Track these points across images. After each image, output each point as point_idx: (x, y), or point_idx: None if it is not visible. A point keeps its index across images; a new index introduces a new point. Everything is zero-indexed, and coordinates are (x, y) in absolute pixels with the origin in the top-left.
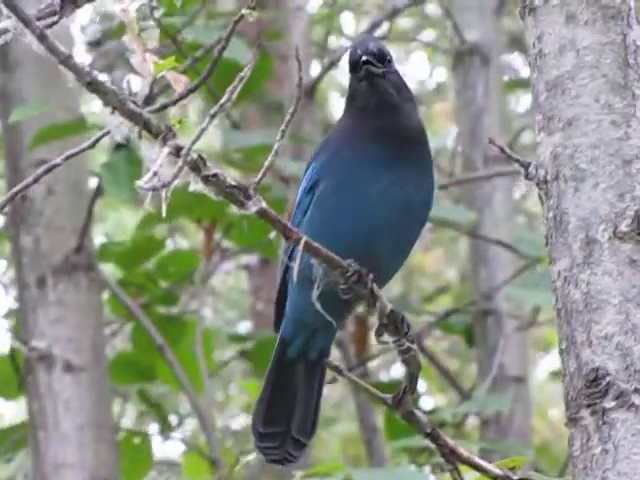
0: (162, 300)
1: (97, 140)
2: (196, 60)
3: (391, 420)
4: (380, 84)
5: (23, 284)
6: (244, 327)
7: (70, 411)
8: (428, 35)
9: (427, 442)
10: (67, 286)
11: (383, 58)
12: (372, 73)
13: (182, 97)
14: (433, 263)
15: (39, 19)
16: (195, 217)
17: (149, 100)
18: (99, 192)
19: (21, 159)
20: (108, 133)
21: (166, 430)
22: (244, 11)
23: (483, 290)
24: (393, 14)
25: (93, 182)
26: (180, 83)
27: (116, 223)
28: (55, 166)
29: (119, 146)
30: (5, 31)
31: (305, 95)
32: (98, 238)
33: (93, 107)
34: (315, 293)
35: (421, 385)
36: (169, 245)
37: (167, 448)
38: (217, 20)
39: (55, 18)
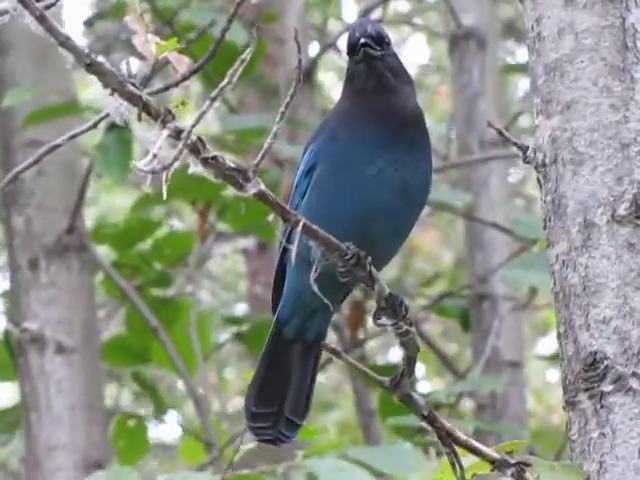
0: (156, 282)
1: (99, 121)
2: (190, 42)
3: (385, 401)
4: (377, 66)
5: (15, 266)
6: (240, 310)
7: (62, 393)
8: (427, 19)
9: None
10: (59, 267)
11: (381, 41)
12: (370, 55)
13: (185, 78)
14: (430, 245)
15: (37, 0)
16: (190, 199)
17: (149, 81)
18: (91, 172)
19: (13, 139)
20: (106, 116)
21: (161, 412)
22: None
23: (479, 274)
24: None
25: (85, 162)
26: (183, 64)
27: (109, 206)
28: (57, 146)
29: (112, 127)
30: (4, 12)
31: (302, 78)
32: (90, 221)
33: (92, 92)
34: (313, 275)
35: (418, 369)
36: (164, 227)
37: (162, 431)
38: (212, 2)
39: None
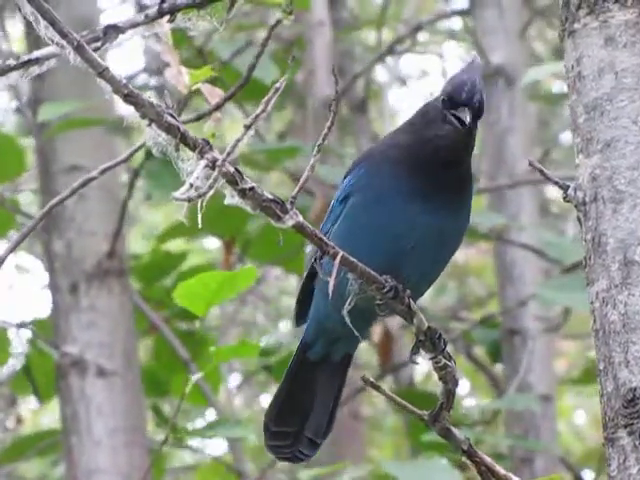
0: (182, 316)
1: (132, 153)
2: (221, 68)
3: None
4: (465, 140)
5: (55, 289)
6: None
7: (103, 416)
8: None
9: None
10: (99, 291)
11: (482, 112)
12: (468, 128)
13: (216, 107)
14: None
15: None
16: (216, 232)
17: (181, 111)
18: (130, 198)
19: (53, 164)
20: (144, 145)
21: (180, 442)
22: (279, 15)
23: (509, 309)
24: (417, 29)
25: (125, 187)
26: (215, 96)
27: (153, 222)
28: (91, 179)
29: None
30: (50, 56)
31: (356, 109)
32: (136, 241)
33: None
34: (347, 307)
35: (463, 386)
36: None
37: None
38: (243, 32)
39: (98, 44)
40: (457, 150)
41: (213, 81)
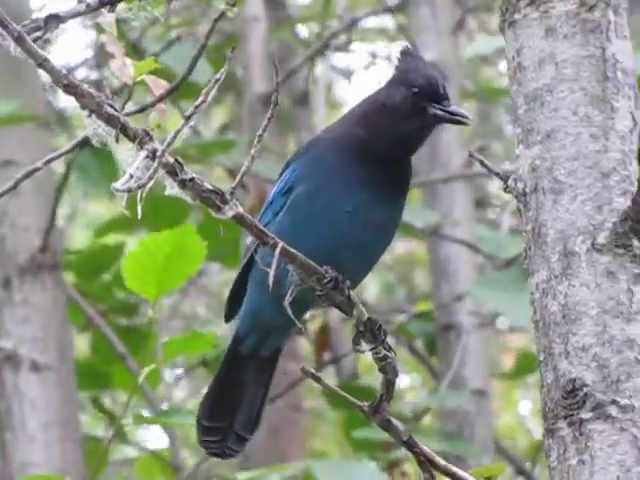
0: (120, 310)
1: (75, 146)
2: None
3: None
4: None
5: None
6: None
7: (36, 411)
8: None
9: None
10: (33, 286)
11: None
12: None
13: (161, 99)
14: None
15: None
16: (154, 228)
17: (127, 102)
18: (62, 192)
19: None
20: (86, 138)
21: (120, 436)
22: (223, 7)
23: (444, 304)
24: (352, 24)
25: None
26: (159, 87)
27: (97, 214)
28: (35, 170)
29: (83, 145)
30: None
31: (297, 102)
32: (80, 233)
33: None
34: (288, 299)
35: (404, 381)
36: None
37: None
38: (175, 30)
39: (39, 33)
40: (424, 141)
41: (155, 73)
